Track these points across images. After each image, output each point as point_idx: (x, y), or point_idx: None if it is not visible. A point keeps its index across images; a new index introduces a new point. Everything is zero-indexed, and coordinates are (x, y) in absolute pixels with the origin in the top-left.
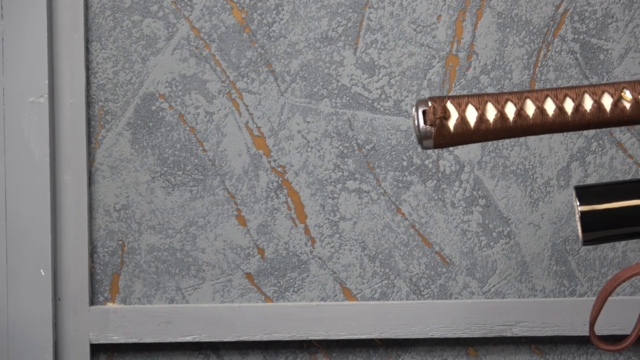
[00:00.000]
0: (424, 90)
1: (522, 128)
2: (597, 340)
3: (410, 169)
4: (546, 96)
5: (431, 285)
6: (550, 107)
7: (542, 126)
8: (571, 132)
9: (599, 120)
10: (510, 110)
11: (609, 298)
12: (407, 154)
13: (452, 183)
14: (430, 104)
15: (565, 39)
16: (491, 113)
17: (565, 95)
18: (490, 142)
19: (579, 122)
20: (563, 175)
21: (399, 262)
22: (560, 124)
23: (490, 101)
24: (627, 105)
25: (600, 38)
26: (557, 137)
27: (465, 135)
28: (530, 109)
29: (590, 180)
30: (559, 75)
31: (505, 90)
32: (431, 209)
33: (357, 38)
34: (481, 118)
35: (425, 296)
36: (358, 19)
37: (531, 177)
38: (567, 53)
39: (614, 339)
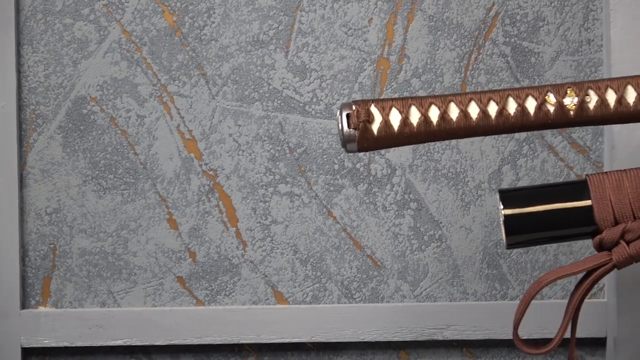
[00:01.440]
0: (356, 93)
1: (446, 131)
2: (520, 343)
3: (342, 173)
4: (470, 99)
5: (363, 288)
6: (474, 110)
7: (466, 129)
8: (502, 136)
9: (523, 124)
10: (434, 114)
11: (542, 301)
12: (339, 157)
13: (383, 186)
14: (354, 108)
15: (497, 42)
16: (415, 116)
17: (489, 99)
18: (421, 146)
19: (502, 126)
20: (494, 178)
21: (330, 265)
22: (485, 128)
23: (414, 105)
24: (551, 109)
25: (532, 41)
26: (488, 140)
27: (389, 139)
28: (454, 112)
29: (522, 184)
30: (490, 78)
31: (437, 94)
32: (362, 213)
33: (289, 41)
34: (405, 121)
35: (357, 300)
36: (289, 22)
37: (462, 180)
38: (499, 56)
39: (544, 343)
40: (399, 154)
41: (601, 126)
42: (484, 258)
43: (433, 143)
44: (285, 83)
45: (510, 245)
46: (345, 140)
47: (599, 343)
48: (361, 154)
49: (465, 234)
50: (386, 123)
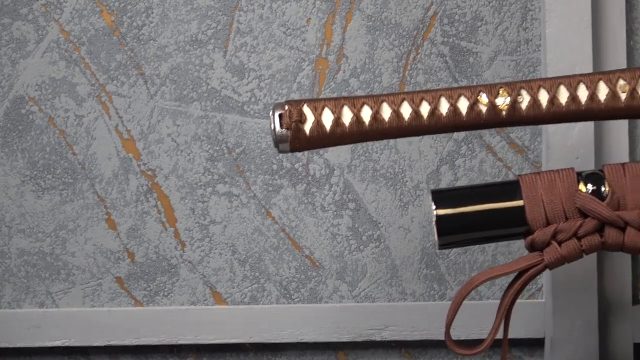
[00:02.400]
0: (294, 93)
1: (379, 131)
2: (452, 344)
3: (280, 173)
4: (402, 100)
5: (301, 289)
6: (406, 110)
7: (399, 130)
8: (440, 136)
9: (455, 124)
10: (366, 114)
11: (480, 302)
12: (277, 157)
13: (322, 186)
14: (286, 108)
15: (435, 42)
16: (347, 117)
17: (422, 99)
18: (359, 146)
19: (435, 126)
20: (433, 178)
21: (269, 265)
22: (417, 128)
23: (346, 105)
24: (484, 109)
25: (470, 41)
26: (427, 140)
27: (321, 139)
28: (386, 112)
29: (461, 184)
30: (429, 78)
31: (375, 93)
32: (301, 213)
33: (227, 41)
34: (337, 122)
35: (296, 300)
36: (228, 22)
37: (401, 180)
38: (437, 56)
39: (481, 343)
40: (338, 154)
41: (539, 126)
42: (422, 258)
43: (371, 143)
44: (224, 83)
45: (443, 246)
46: (278, 141)
47: (537, 343)
48: (299, 154)
49: (403, 234)
50: (318, 123)
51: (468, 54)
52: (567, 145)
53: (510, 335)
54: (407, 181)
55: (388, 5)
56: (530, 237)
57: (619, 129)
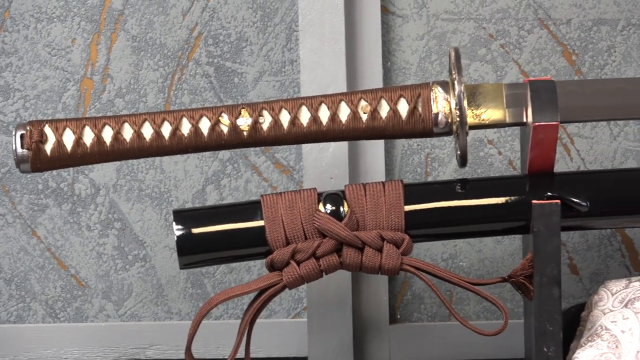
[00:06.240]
0: (59, 113)
1: (120, 152)
2: None
3: (46, 192)
4: (144, 120)
5: (67, 308)
6: (147, 131)
7: (140, 150)
8: (206, 155)
9: (197, 144)
10: (107, 134)
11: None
12: (43, 177)
13: (87, 206)
14: (28, 128)
15: (200, 62)
16: (88, 137)
17: (163, 120)
18: (125, 166)
19: (177, 146)
20: (198, 198)
21: (34, 285)
22: (159, 148)
23: (88, 125)
24: (225, 130)
25: (235, 61)
26: (192, 160)
27: (62, 159)
28: (127, 133)
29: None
30: (194, 98)
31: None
32: (67, 232)
33: None
34: (78, 142)
35: (61, 319)
36: None
37: (166, 200)
38: (202, 76)
39: None
40: (103, 174)
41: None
42: (188, 277)
43: (136, 162)
44: None
45: (185, 266)
46: (19, 161)
47: None
48: (65, 172)
49: (169, 253)
50: (59, 143)
51: (233, 75)
52: (321, 166)
53: (276, 354)
54: (172, 201)
55: (153, 25)
56: (269, 257)
57: (376, 149)
